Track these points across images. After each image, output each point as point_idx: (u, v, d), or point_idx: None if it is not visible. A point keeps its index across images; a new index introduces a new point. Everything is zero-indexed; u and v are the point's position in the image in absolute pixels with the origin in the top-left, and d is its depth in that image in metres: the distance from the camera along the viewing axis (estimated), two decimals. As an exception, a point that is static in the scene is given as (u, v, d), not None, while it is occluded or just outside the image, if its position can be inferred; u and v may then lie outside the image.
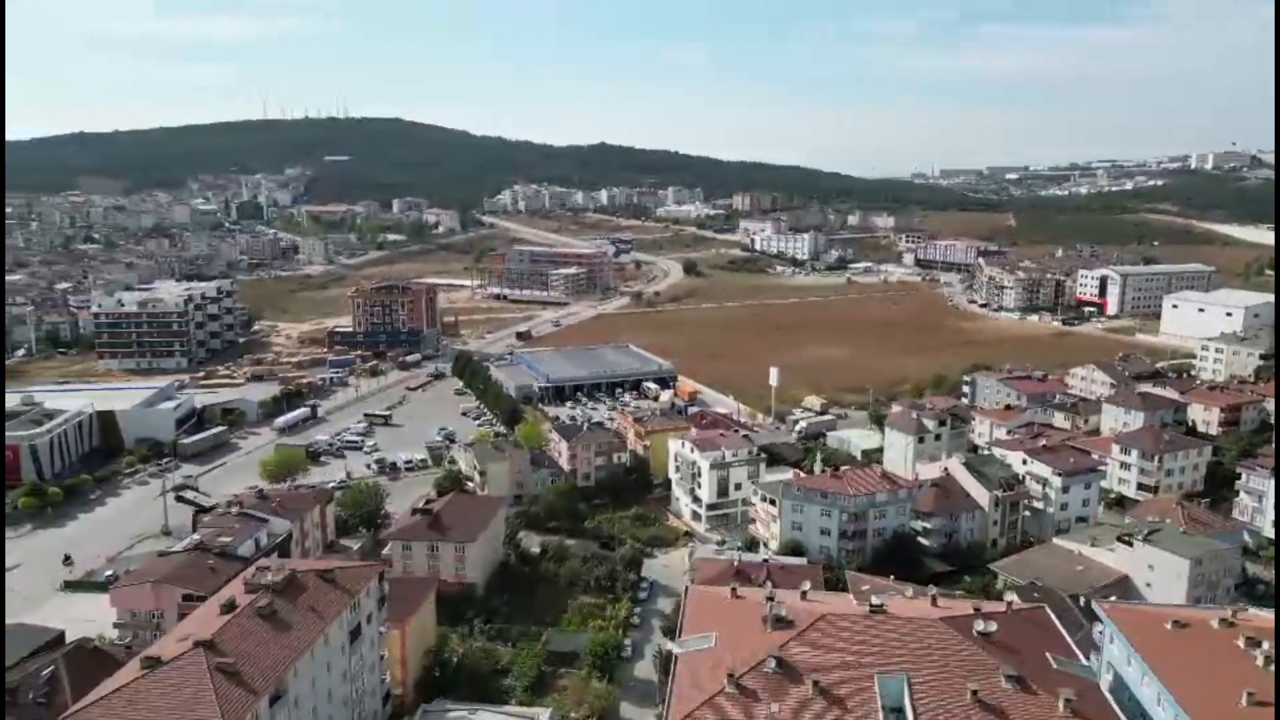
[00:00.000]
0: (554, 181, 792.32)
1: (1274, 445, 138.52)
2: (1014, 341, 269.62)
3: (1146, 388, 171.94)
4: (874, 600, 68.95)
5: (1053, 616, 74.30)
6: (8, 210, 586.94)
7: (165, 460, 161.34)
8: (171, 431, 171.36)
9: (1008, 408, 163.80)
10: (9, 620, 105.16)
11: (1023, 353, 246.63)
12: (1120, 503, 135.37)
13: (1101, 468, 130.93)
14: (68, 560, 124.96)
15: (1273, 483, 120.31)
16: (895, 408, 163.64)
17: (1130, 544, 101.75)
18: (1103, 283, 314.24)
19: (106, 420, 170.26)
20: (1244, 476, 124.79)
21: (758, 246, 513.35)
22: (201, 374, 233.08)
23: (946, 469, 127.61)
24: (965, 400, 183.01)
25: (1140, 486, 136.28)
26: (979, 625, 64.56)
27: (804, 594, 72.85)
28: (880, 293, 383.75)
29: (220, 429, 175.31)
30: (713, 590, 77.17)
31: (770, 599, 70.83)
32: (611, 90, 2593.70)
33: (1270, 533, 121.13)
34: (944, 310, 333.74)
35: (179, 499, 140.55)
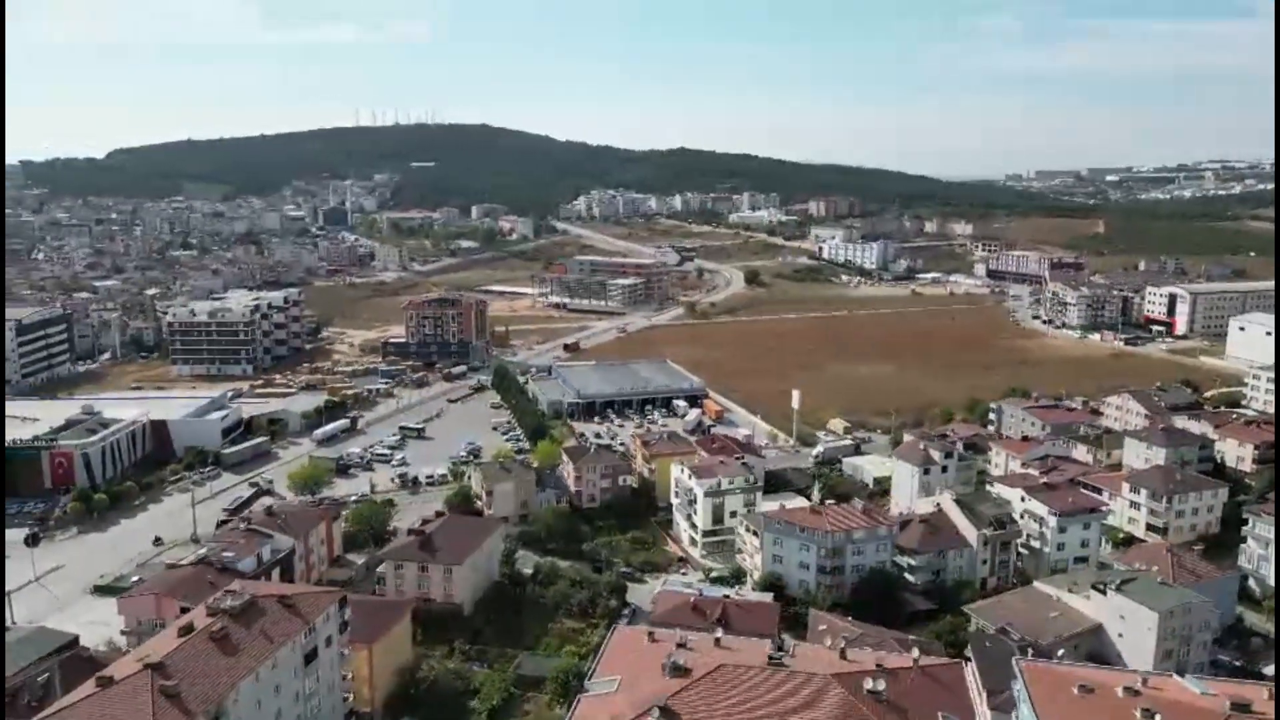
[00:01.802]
0: (632, 187, 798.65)
1: (1274, 477, 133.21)
2: (1067, 363, 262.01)
3: (1181, 420, 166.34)
4: (775, 652, 70.92)
5: (968, 674, 74.77)
6: (114, 216, 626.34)
7: (207, 469, 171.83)
8: (218, 440, 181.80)
9: (1025, 439, 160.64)
10: (35, 623, 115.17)
11: (1074, 375, 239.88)
12: (1130, 543, 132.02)
13: (1103, 508, 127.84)
14: (158, 541, 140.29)
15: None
16: (907, 436, 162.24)
17: (1104, 592, 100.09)
18: (1171, 300, 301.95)
19: (159, 429, 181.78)
20: (1250, 522, 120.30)
21: (825, 255, 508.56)
22: (260, 381, 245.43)
23: (939, 504, 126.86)
24: (992, 428, 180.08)
25: (1149, 527, 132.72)
26: (869, 684, 65.90)
27: (717, 640, 75.06)
28: (943, 306, 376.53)
29: (261, 439, 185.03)
30: (633, 631, 79.95)
31: (682, 645, 73.44)
32: (695, 93, 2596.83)
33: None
34: (1003, 327, 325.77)
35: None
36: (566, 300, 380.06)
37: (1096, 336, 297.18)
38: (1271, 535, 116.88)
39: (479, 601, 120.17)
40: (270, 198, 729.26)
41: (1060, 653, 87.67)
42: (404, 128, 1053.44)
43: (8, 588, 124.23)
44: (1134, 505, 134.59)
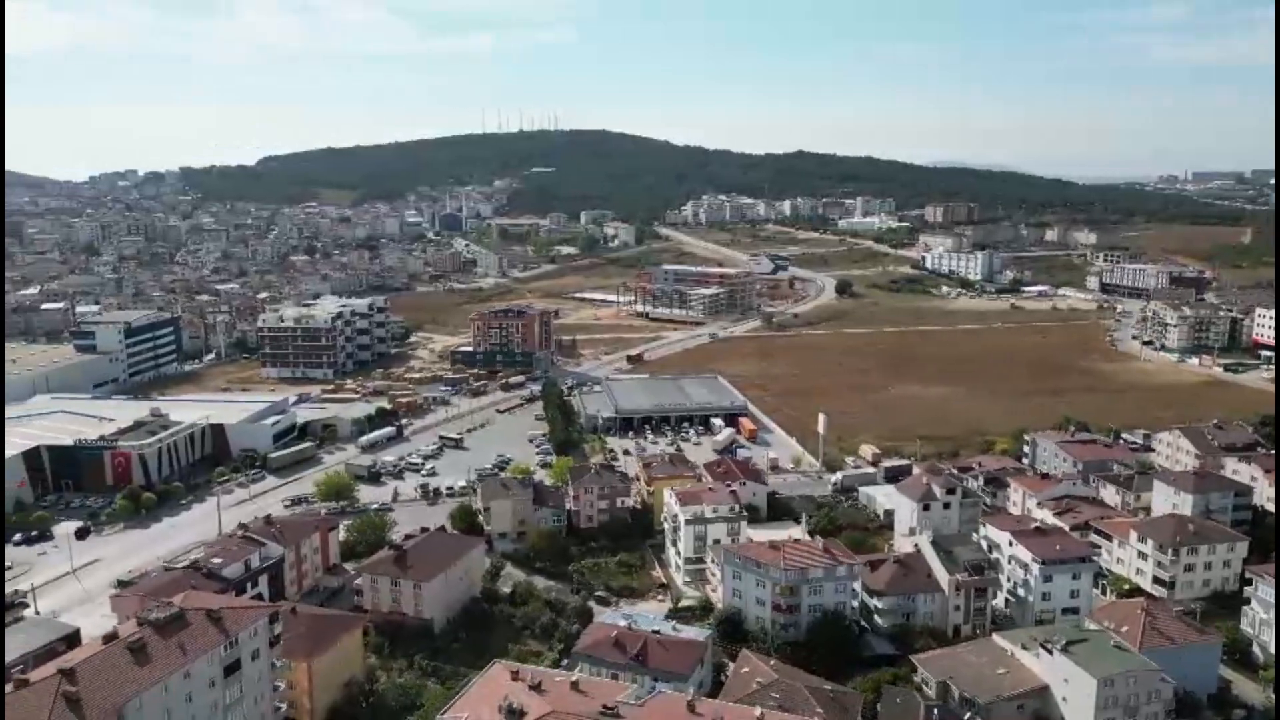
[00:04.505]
0: (746, 191, 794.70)
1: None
2: (1149, 390, 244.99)
3: (1233, 462, 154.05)
4: (622, 701, 71.36)
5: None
6: (250, 221, 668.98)
7: (254, 471, 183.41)
8: (269, 444, 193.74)
9: (1045, 476, 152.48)
10: (57, 614, 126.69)
11: (1153, 405, 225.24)
12: (1135, 595, 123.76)
13: (1094, 557, 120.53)
14: (242, 527, 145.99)
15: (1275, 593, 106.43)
16: (916, 468, 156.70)
17: (1050, 651, 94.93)
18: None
19: (218, 432, 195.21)
20: (1254, 583, 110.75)
21: (928, 264, 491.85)
22: (332, 386, 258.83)
23: (917, 545, 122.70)
24: (1026, 460, 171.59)
25: (1156, 581, 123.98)
26: (687, 743, 65.65)
27: (575, 684, 76.09)
28: (1041, 322, 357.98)
29: (307, 444, 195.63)
30: (501, 668, 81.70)
31: (535, 687, 74.96)
32: (817, 94, 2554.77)
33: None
34: (1095, 347, 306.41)
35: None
36: (650, 309, 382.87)
37: (1195, 361, 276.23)
38: (1271, 598, 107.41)
39: (452, 618, 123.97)
40: (395, 203, 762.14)
41: (967, 716, 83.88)
42: (527, 134, 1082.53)
43: (46, 579, 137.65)
44: (1141, 556, 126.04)
